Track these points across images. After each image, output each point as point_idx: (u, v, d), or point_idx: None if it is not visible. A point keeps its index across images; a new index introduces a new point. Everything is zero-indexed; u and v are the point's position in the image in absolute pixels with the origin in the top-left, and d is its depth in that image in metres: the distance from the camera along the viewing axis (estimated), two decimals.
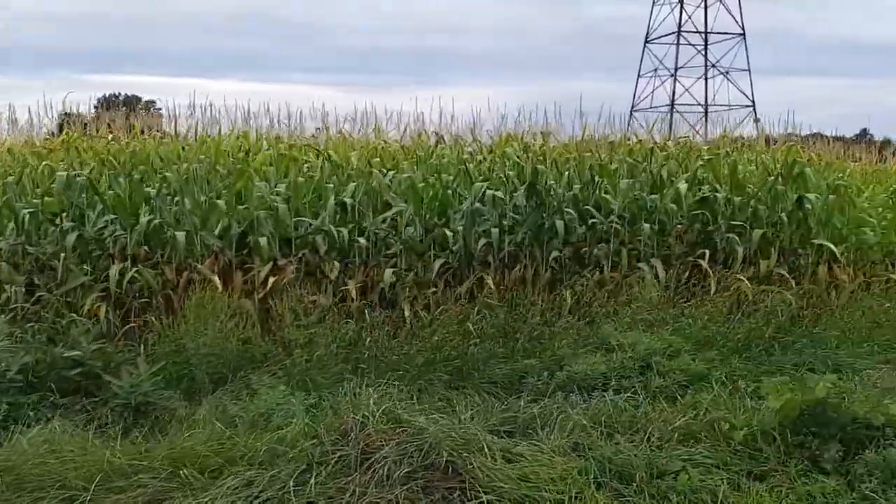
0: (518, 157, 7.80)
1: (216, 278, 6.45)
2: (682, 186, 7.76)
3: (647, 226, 7.60)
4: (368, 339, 5.98)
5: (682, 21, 61.52)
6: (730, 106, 58.74)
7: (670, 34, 61.87)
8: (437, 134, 9.05)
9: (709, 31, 61.64)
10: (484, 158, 7.93)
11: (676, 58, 61.61)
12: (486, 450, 4.32)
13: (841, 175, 9.31)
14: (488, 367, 5.97)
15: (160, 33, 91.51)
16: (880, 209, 9.19)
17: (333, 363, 5.80)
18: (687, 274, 7.75)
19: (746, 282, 7.58)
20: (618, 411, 4.80)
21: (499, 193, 7.35)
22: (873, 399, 4.67)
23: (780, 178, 8.25)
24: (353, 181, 7.44)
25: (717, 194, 7.92)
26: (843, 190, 8.63)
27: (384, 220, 7.33)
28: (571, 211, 7.63)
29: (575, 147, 8.89)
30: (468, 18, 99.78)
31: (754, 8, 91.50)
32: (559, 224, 7.41)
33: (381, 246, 7.30)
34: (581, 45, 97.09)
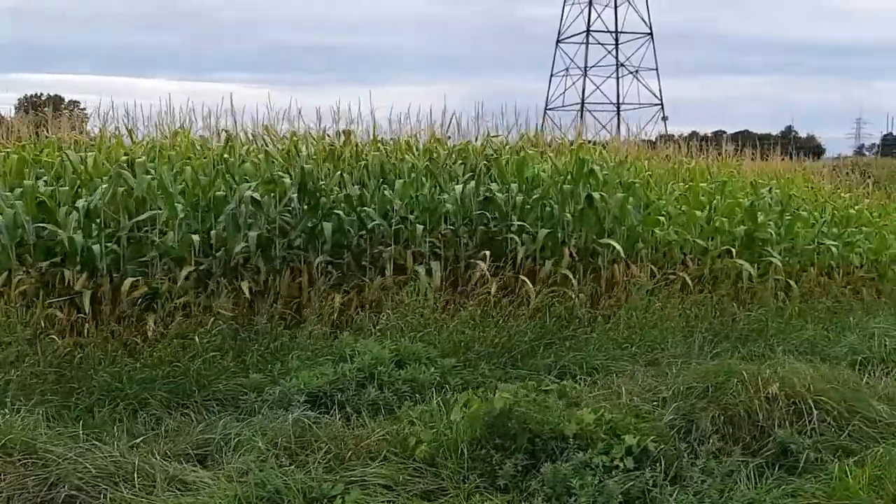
0: (283, 157, 7.41)
1: None
2: (458, 188, 7.52)
3: (419, 227, 7.34)
4: (79, 357, 5.49)
5: (592, 21, 62.63)
6: (640, 104, 60.21)
7: (581, 33, 62.94)
8: (226, 132, 8.56)
9: (619, 31, 62.98)
10: (245, 158, 7.47)
11: (586, 57, 62.72)
12: (137, 479, 3.96)
13: (644, 174, 9.30)
14: (216, 383, 5.57)
15: (91, 28, 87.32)
16: (681, 207, 9.18)
17: (38, 385, 5.30)
18: (479, 276, 7.54)
19: (529, 283, 7.42)
20: (302, 430, 4.46)
21: (256, 195, 6.93)
22: (561, 408, 4.46)
23: (569, 177, 8.11)
24: (105, 184, 6.89)
25: (500, 194, 7.71)
26: (638, 188, 8.55)
27: (136, 226, 6.83)
28: (342, 213, 7.29)
29: (370, 147, 8.60)
30: (400, 18, 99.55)
31: (673, 8, 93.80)
32: (326, 227, 7.07)
33: (133, 253, 6.79)
34: (514, 43, 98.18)
